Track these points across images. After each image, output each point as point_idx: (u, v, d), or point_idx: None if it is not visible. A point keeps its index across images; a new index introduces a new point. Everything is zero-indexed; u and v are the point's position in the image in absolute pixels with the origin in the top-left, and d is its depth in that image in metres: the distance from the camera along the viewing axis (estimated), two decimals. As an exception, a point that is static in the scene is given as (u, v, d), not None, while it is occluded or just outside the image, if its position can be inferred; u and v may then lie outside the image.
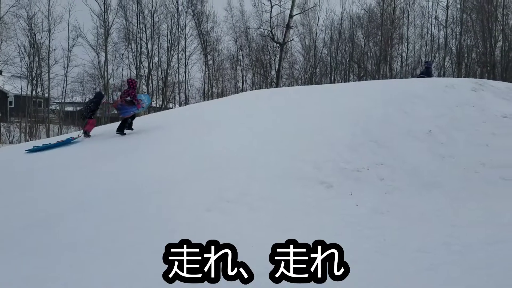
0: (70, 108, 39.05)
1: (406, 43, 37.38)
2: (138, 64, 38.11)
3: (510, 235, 4.60)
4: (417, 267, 4.13)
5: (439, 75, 33.22)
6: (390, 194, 6.00)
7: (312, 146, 7.52)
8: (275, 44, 34.06)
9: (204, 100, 30.14)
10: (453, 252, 4.37)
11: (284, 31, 28.43)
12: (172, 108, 32.31)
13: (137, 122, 10.88)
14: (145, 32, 38.63)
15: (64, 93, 37.29)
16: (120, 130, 10.14)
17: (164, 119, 12.37)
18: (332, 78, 39.02)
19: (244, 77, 42.28)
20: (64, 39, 36.64)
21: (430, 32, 37.24)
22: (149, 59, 38.33)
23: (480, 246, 4.43)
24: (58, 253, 4.88)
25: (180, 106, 35.06)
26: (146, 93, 14.93)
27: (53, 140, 11.60)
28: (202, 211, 5.62)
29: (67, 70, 36.40)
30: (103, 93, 11.46)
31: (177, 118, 11.93)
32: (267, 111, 10.41)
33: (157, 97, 39.99)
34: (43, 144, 10.57)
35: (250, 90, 35.49)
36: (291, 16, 27.40)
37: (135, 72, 38.22)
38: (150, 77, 38.55)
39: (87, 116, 10.63)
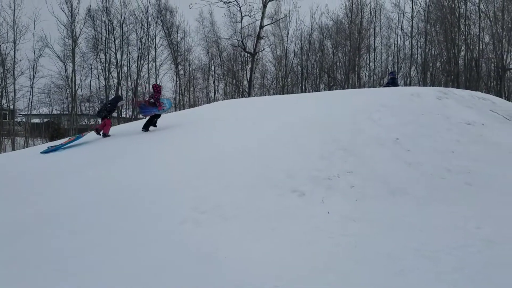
0: (36, 120, 37.95)
1: (373, 53, 38.43)
2: (107, 74, 37.57)
3: (477, 240, 4.75)
4: (388, 272, 4.21)
5: (405, 84, 34.26)
6: (361, 201, 6.09)
7: (284, 155, 7.57)
8: (246, 54, 34.25)
9: (176, 111, 29.85)
10: (422, 257, 4.48)
11: (255, 41, 28.61)
12: (142, 118, 31.76)
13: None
14: (114, 42, 38.22)
15: (30, 105, 36.22)
16: (146, 128, 11.16)
17: (135, 129, 12.18)
18: (303, 88, 39.56)
19: (216, 87, 42.41)
20: (30, 50, 35.87)
21: (396, 42, 38.46)
22: (118, 69, 37.89)
23: (448, 251, 4.56)
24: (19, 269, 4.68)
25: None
26: (169, 98, 15.77)
27: (62, 141, 12.18)
28: (176, 224, 5.54)
29: (33, 81, 35.43)
30: (122, 97, 12.03)
31: (151, 131, 11.76)
32: (239, 120, 10.44)
33: (127, 107, 39.41)
34: (55, 146, 11.11)
35: (222, 100, 35.48)
36: (261, 27, 27.61)
37: (103, 83, 37.62)
38: (120, 87, 37.98)
39: (104, 116, 11.30)
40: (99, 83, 38.61)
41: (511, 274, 3.96)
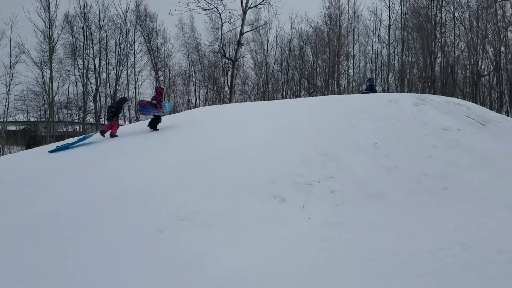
0: (13, 127, 36.99)
1: (352, 60, 39.02)
2: (85, 80, 36.98)
3: (454, 244, 4.84)
4: (368, 276, 4.26)
5: (383, 91, 34.87)
6: (341, 206, 6.15)
7: (265, 161, 7.59)
8: (227, 60, 34.31)
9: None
10: (401, 261, 4.55)
11: (236, 47, 28.69)
12: (122, 125, 31.38)
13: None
14: (92, 48, 37.70)
15: (6, 112, 35.24)
16: (153, 125, 11.47)
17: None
18: (284, 94, 39.81)
19: (197, 93, 42.24)
20: (6, 56, 34.97)
21: (374, 49, 39.16)
22: (97, 75, 37.34)
23: (426, 254, 4.64)
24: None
25: (130, 123, 34.17)
26: (170, 102, 16.28)
27: (69, 141, 12.41)
28: (154, 232, 5.47)
29: (9, 88, 34.51)
30: (127, 98, 12.50)
31: (129, 135, 11.62)
32: (220, 127, 10.42)
33: (105, 114, 38.84)
34: (61, 145, 11.44)
35: (203, 106, 35.39)
36: (242, 33, 27.70)
37: (81, 89, 37.05)
38: (98, 93, 37.47)
39: (112, 118, 11.72)
40: (77, 89, 38.04)
41: (487, 277, 4.04)
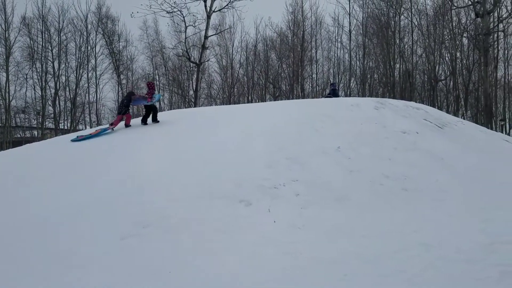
0: (-33, 133, 34.94)
1: (315, 65, 39.67)
2: (44, 84, 35.62)
3: (415, 244, 4.98)
4: (333, 278, 4.31)
5: (345, 95, 35.67)
6: (306, 209, 6.21)
7: (231, 165, 7.55)
8: (191, 64, 33.98)
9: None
10: (364, 262, 4.63)
11: (200, 51, 28.45)
12: (82, 129, 30.44)
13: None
14: (51, 51, 36.41)
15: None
16: (154, 119, 12.17)
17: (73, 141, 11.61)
18: (250, 98, 39.89)
19: (161, 97, 41.55)
20: (-41, 59, 32.99)
21: (336, 55, 39.99)
22: (56, 79, 36.05)
23: (389, 255, 4.75)
24: None
25: (91, 127, 33.19)
26: (159, 93, 17.41)
27: (85, 132, 13.11)
28: (116, 240, 5.31)
29: (-37, 92, 32.73)
30: (134, 92, 13.96)
31: (92, 141, 11.26)
32: (184, 131, 10.29)
33: (65, 118, 37.58)
34: (83, 136, 11.83)
35: (168, 110, 34.89)
36: (206, 37, 27.52)
37: (40, 93, 35.65)
38: (57, 97, 36.17)
39: (124, 112, 12.42)
40: (35, 93, 36.59)
41: (447, 276, 4.17)
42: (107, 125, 13.02)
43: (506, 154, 9.36)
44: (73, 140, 11.47)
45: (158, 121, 12.15)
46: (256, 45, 40.26)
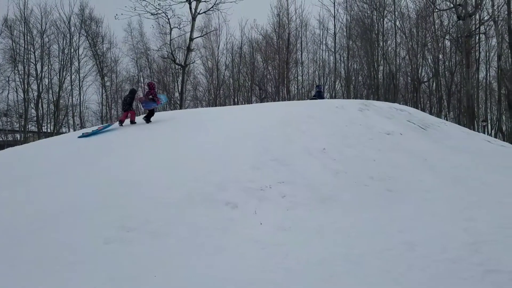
0: None
1: (301, 67, 39.88)
2: (26, 86, 35.02)
3: (399, 244, 5.00)
4: (319, 279, 4.32)
5: (330, 97, 35.91)
6: (292, 210, 6.22)
7: (217, 167, 7.51)
8: (177, 66, 33.81)
9: (102, 123, 28.52)
10: (350, 262, 4.65)
11: (186, 53, 28.30)
12: (66, 132, 30.04)
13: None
14: (34, 53, 35.85)
15: None
16: (147, 118, 12.51)
17: (55, 143, 11.43)
18: (236, 100, 39.86)
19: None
20: None
21: (321, 57, 40.27)
22: (39, 81, 35.49)
23: (374, 255, 4.77)
24: None
25: (74, 130, 32.76)
26: (164, 94, 17.75)
27: (89, 129, 13.56)
28: (100, 244, 5.22)
29: None
30: (136, 89, 14.85)
31: (69, 144, 11.09)
32: (168, 134, 10.21)
33: (48, 121, 37.02)
34: (91, 131, 12.41)
35: (152, 112, 34.51)
36: (191, 39, 27.40)
37: (22, 96, 35.06)
38: (40, 100, 35.60)
39: (127, 109, 12.75)
40: (17, 96, 35.99)
41: (432, 276, 4.21)
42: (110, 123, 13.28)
43: (488, 154, 9.54)
44: (79, 137, 11.81)
45: (150, 122, 12.41)
46: (242, 47, 40.29)
